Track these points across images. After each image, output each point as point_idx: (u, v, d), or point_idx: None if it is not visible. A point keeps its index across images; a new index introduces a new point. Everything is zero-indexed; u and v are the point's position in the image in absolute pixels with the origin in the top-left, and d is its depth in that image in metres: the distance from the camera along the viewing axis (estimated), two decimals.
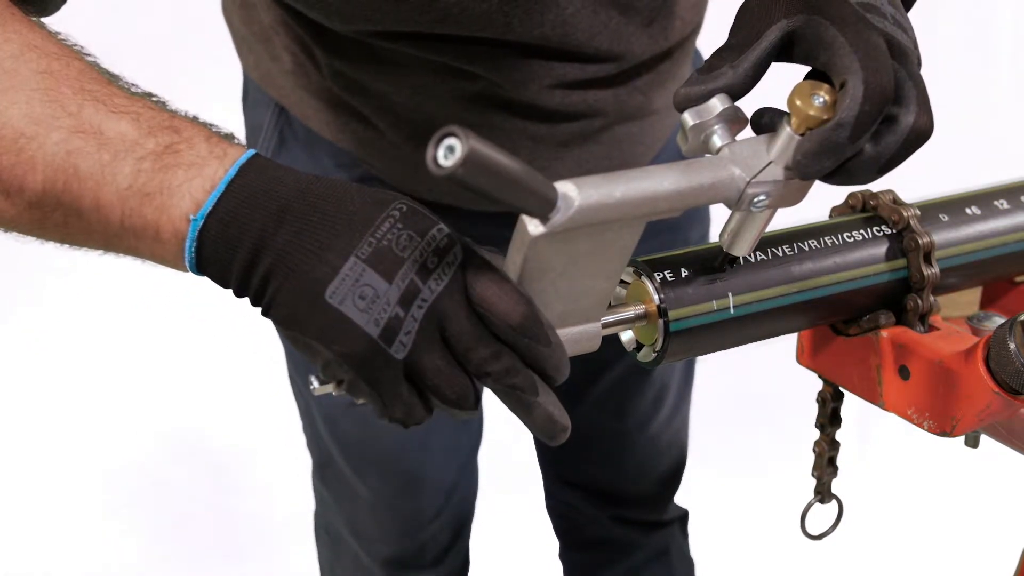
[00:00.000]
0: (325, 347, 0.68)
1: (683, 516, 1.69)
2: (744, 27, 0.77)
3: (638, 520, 1.64)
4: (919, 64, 0.80)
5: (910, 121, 0.75)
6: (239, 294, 0.72)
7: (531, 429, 0.73)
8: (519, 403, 0.71)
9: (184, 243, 0.71)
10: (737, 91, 0.75)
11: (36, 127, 0.72)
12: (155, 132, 0.72)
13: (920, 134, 0.75)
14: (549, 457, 1.65)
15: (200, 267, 0.72)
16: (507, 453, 2.02)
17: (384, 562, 1.49)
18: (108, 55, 0.81)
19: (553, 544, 1.75)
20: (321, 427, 1.43)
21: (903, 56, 0.77)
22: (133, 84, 0.78)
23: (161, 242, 0.72)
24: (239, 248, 0.70)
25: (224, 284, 0.72)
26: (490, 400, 0.76)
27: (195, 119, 0.76)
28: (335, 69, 1.15)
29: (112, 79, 0.77)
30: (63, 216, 0.74)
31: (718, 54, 0.76)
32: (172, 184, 0.71)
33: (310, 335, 0.69)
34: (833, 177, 0.76)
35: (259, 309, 0.72)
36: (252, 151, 0.73)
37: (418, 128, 1.16)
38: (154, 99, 0.77)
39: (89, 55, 0.79)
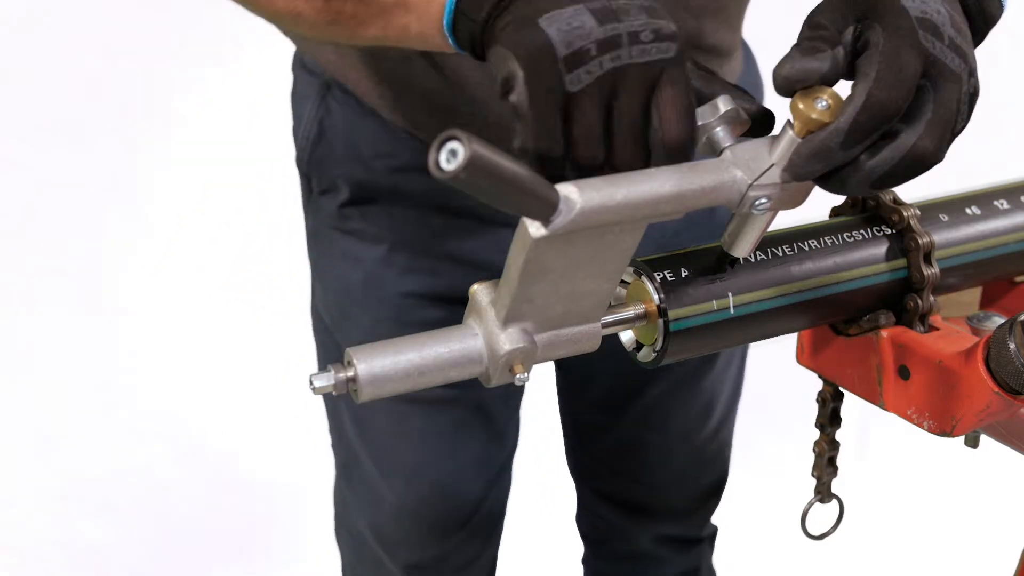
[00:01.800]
0: (512, 52, 0.70)
1: (714, 533, 1.66)
2: (831, 10, 0.76)
3: (674, 537, 1.60)
4: (974, 93, 0.77)
5: (910, 141, 0.73)
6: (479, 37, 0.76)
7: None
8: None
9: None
10: (836, 75, 0.75)
11: None
12: None
13: (918, 157, 0.73)
14: (584, 470, 1.60)
15: (456, 16, 0.77)
16: (535, 460, 1.99)
17: (406, 567, 1.47)
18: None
19: (577, 551, 1.71)
20: (349, 428, 1.40)
21: (940, 78, 0.74)
22: None
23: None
24: None
25: (471, 36, 0.77)
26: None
27: None
28: None
29: None
30: (353, 6, 0.86)
31: (810, 38, 0.75)
32: None
33: (507, 46, 0.71)
34: (827, 183, 0.76)
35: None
36: None
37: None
38: None
39: None
